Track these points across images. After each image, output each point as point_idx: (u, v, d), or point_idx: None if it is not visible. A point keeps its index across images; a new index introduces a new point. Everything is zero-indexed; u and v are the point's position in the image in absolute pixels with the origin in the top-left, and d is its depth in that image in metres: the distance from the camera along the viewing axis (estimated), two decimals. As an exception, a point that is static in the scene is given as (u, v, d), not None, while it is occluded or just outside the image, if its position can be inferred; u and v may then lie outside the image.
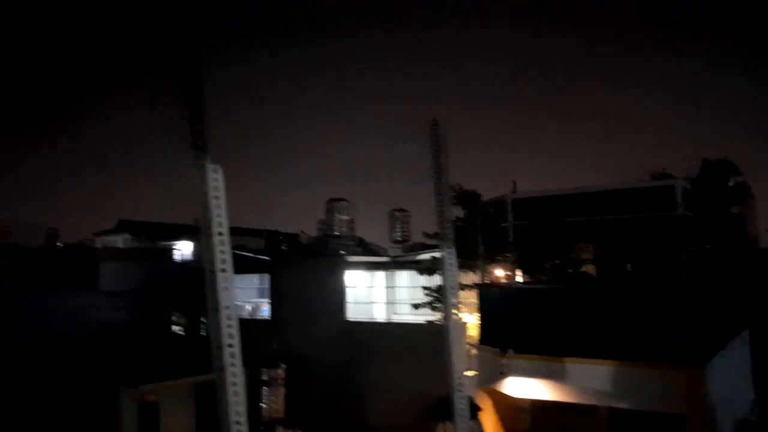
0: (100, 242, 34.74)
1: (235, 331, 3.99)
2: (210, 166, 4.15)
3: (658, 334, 9.59)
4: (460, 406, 4.84)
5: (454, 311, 4.90)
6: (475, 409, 4.87)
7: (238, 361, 3.93)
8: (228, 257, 4.34)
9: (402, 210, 24.72)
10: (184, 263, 29.23)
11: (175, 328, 26.15)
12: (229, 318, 4.08)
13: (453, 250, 5.14)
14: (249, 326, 22.96)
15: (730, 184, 15.46)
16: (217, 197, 4.18)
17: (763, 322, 14.08)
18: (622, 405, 10.05)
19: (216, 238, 4.23)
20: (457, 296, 5.17)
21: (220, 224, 4.25)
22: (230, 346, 3.97)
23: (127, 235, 33.44)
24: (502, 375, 10.34)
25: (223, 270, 4.20)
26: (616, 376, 9.54)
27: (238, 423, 3.67)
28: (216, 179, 4.14)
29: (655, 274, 10.93)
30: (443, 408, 5.02)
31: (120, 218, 35.12)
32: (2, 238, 31.58)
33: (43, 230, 32.12)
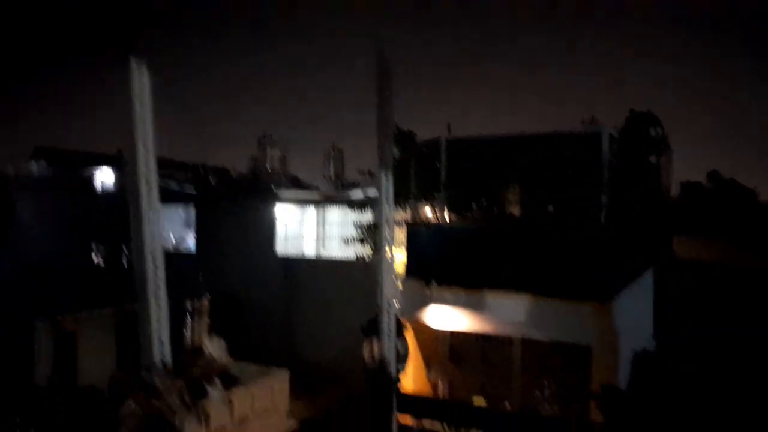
0: (13, 170, 32.48)
1: (159, 255, 3.76)
2: (135, 63, 3.66)
3: (572, 271, 10.14)
4: (388, 325, 4.99)
5: (387, 240, 4.94)
6: (400, 328, 5.11)
7: (162, 285, 3.74)
8: (153, 170, 3.93)
9: (336, 148, 24.30)
10: (104, 193, 27.97)
11: (95, 259, 25.27)
12: (152, 238, 3.76)
13: (391, 178, 5.14)
14: (173, 259, 22.55)
15: (652, 134, 16.27)
16: (141, 99, 3.72)
17: (664, 264, 15.22)
18: (535, 336, 10.70)
19: (140, 144, 3.83)
20: (393, 224, 5.21)
21: (144, 131, 3.83)
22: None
23: (44, 163, 31.41)
24: (425, 306, 10.72)
25: (147, 183, 3.81)
26: (531, 308, 10.10)
27: (161, 343, 3.58)
28: (141, 79, 3.66)
29: (575, 216, 11.47)
30: (372, 326, 5.18)
31: (36, 145, 32.85)
32: None
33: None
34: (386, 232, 4.90)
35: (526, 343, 11.13)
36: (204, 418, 3.40)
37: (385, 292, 4.98)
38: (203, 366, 3.58)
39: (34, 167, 32.12)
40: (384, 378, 4.86)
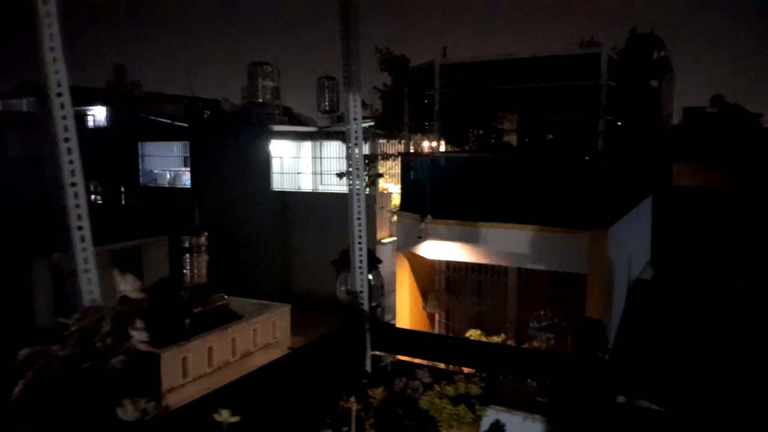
0: (0, 106, 31.83)
1: (81, 188, 3.30)
2: None
3: (569, 199, 9.94)
4: (359, 258, 4.83)
5: (358, 169, 4.64)
6: (375, 262, 4.94)
7: (86, 222, 3.35)
8: (65, 85, 3.26)
9: (330, 78, 23.22)
10: (98, 129, 27.51)
11: (93, 197, 25.15)
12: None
13: (359, 98, 4.76)
14: (169, 195, 22.52)
15: (655, 57, 15.64)
16: (46, 2, 3.12)
17: (665, 191, 15.04)
18: (531, 266, 10.64)
19: (48, 55, 3.20)
20: (362, 152, 4.90)
21: (51, 38, 3.18)
22: (80, 228, 3.31)
23: (32, 99, 30.69)
24: (420, 239, 10.61)
25: (62, 106, 3.23)
26: (527, 238, 9.98)
27: (90, 292, 3.32)
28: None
29: (573, 144, 11.12)
30: (343, 260, 5.02)
31: (23, 80, 32.01)
32: None
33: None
34: (356, 160, 4.61)
35: (523, 273, 11.09)
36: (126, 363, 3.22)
37: (356, 224, 4.76)
38: (118, 307, 3.35)
39: (23, 103, 31.45)
40: (356, 312, 4.76)
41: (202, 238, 15.96)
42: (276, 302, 14.12)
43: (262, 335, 13.23)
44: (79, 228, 3.30)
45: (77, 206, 3.25)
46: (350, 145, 4.67)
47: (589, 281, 9.58)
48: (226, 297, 14.00)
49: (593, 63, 10.43)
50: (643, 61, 14.63)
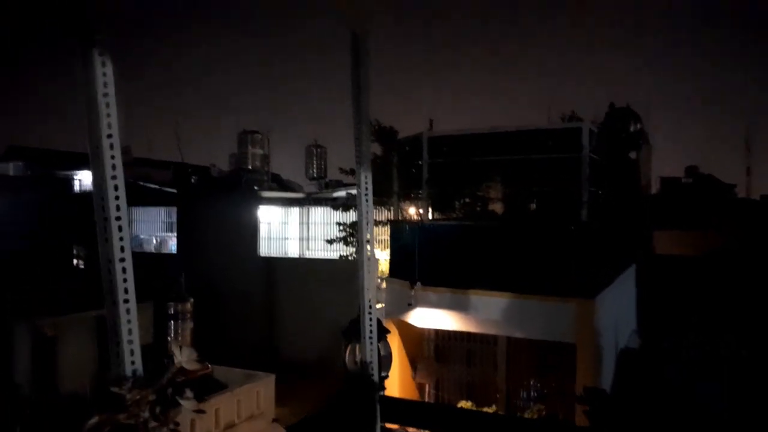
0: (-14, 171, 31.80)
1: (129, 262, 3.45)
2: (98, 57, 3.33)
3: (555, 268, 10.12)
4: (369, 328, 4.89)
5: (367, 239, 4.79)
6: (383, 332, 4.99)
7: (132, 293, 3.46)
8: (120, 173, 3.58)
9: (319, 146, 23.98)
10: (84, 194, 27.51)
11: (76, 261, 24.84)
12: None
13: (370, 173, 4.95)
14: (155, 260, 22.27)
15: (632, 130, 16.36)
16: (106, 95, 3.41)
17: (647, 259, 15.33)
18: (519, 335, 10.68)
19: (105, 141, 3.49)
20: (372, 223, 5.06)
21: (109, 126, 3.49)
22: (126, 301, 3.44)
23: (19, 164, 30.82)
24: (409, 306, 10.65)
25: (116, 188, 3.49)
26: (516, 307, 10.07)
27: (132, 363, 3.37)
28: (105, 73, 3.35)
29: (557, 213, 11.45)
30: (353, 329, 5.07)
31: (9, 144, 32.23)
32: None
33: None
34: (366, 231, 4.76)
35: (512, 341, 11.11)
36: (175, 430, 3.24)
37: (366, 294, 4.86)
38: (174, 377, 3.37)
39: (10, 168, 31.51)
40: (366, 383, 4.77)
41: (188, 305, 15.73)
42: (260, 372, 13.82)
43: (246, 406, 12.88)
44: (126, 301, 3.37)
45: (125, 280, 3.33)
46: (361, 217, 4.85)
47: (579, 350, 9.63)
48: (209, 366, 13.70)
49: (575, 136, 10.91)
50: (622, 134, 15.32)
